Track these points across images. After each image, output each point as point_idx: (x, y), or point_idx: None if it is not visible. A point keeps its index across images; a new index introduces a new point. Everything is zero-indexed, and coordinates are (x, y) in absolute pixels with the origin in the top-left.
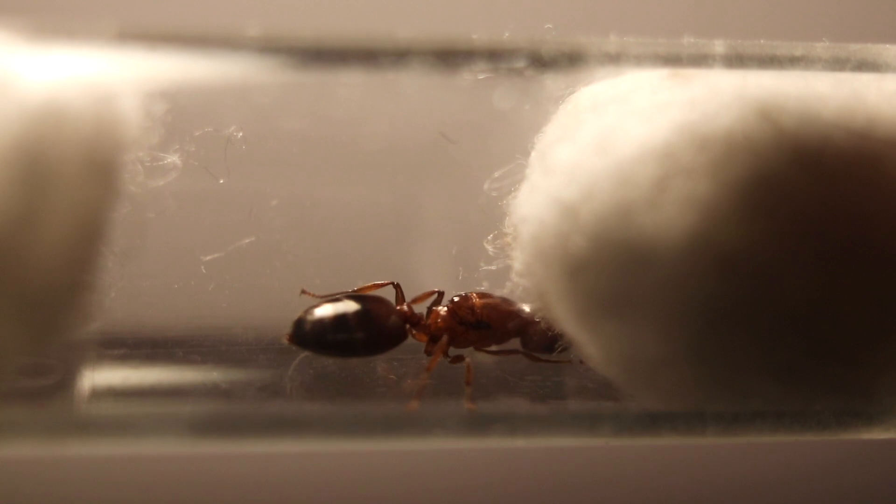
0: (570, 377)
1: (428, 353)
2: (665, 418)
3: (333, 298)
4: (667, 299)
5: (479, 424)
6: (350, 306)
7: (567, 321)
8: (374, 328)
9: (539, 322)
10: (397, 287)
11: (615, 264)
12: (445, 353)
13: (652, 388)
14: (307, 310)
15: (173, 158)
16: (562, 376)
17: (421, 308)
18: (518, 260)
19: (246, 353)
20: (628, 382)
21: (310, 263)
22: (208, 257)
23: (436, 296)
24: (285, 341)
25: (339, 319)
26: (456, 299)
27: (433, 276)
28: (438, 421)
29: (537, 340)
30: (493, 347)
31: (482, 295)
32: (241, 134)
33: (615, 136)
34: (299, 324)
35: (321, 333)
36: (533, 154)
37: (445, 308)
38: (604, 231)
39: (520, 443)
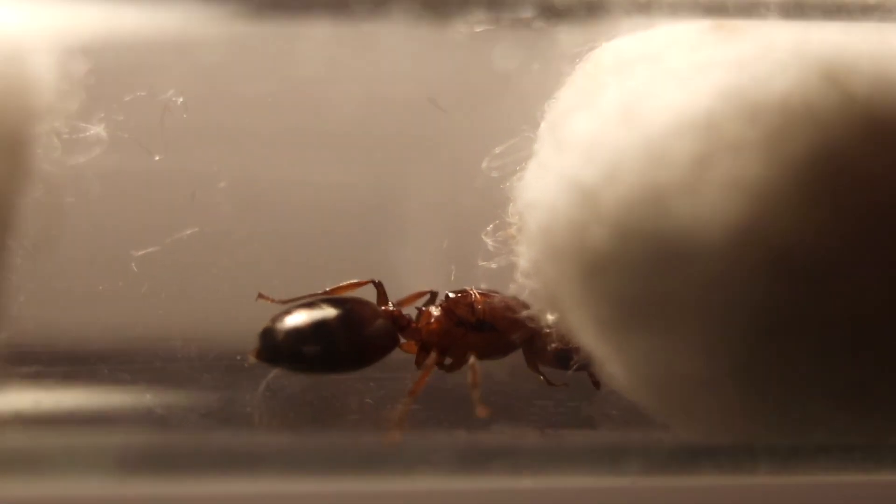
0: (588, 402)
1: (419, 364)
2: (706, 453)
3: (305, 303)
4: (708, 305)
5: (475, 459)
6: (328, 311)
7: (585, 332)
8: (359, 335)
9: (549, 333)
10: (378, 286)
11: (644, 262)
12: (440, 363)
13: (690, 415)
14: (276, 318)
15: (97, 130)
16: (578, 401)
17: (410, 311)
18: (524, 256)
19: (187, 372)
20: (661, 408)
21: (268, 260)
22: (141, 252)
23: (427, 297)
24: (251, 358)
25: (318, 327)
26: (452, 296)
27: (419, 275)
28: (425, 455)
29: (548, 355)
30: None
31: (485, 292)
32: (181, 99)
33: (644, 104)
34: (268, 335)
35: (297, 345)
36: (542, 125)
37: (440, 307)
38: (630, 221)
39: (526, 482)
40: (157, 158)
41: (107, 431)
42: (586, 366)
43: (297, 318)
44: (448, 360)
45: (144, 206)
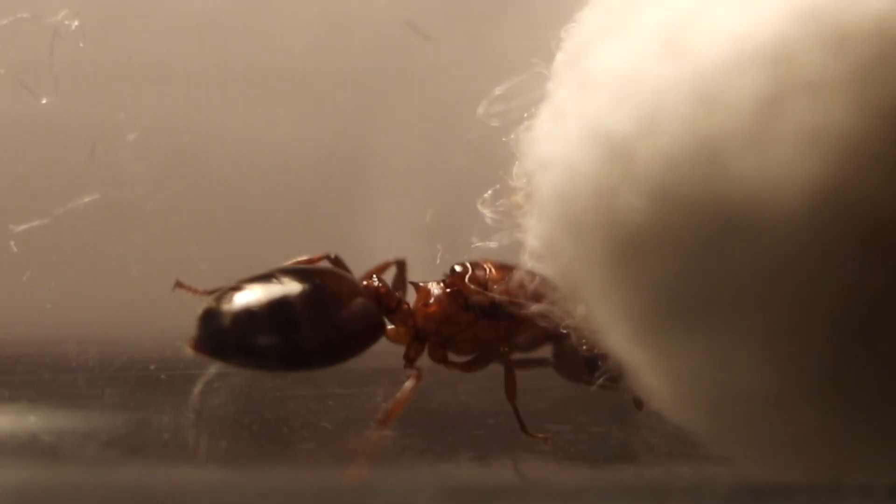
0: (620, 425)
1: (410, 359)
2: (777, 493)
3: (259, 276)
4: (780, 295)
5: (469, 502)
6: (290, 286)
7: (615, 333)
8: (333, 318)
9: (568, 334)
10: (335, 261)
11: (694, 238)
12: (439, 358)
13: (755, 443)
14: (220, 296)
15: None
16: (606, 424)
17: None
18: (534, 232)
19: (84, 385)
20: (716, 434)
21: (192, 235)
22: (23, 227)
23: (394, 268)
24: (188, 349)
25: (278, 308)
26: (459, 269)
27: (393, 255)
28: (404, 497)
29: (566, 363)
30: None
31: (503, 265)
32: (76, 23)
33: (694, 28)
34: (211, 319)
35: (249, 332)
36: (559, 57)
37: (442, 284)
38: (675, 184)
39: None
40: (44, 101)
41: None
42: (617, 378)
43: (250, 297)
44: (449, 356)
45: (28, 164)
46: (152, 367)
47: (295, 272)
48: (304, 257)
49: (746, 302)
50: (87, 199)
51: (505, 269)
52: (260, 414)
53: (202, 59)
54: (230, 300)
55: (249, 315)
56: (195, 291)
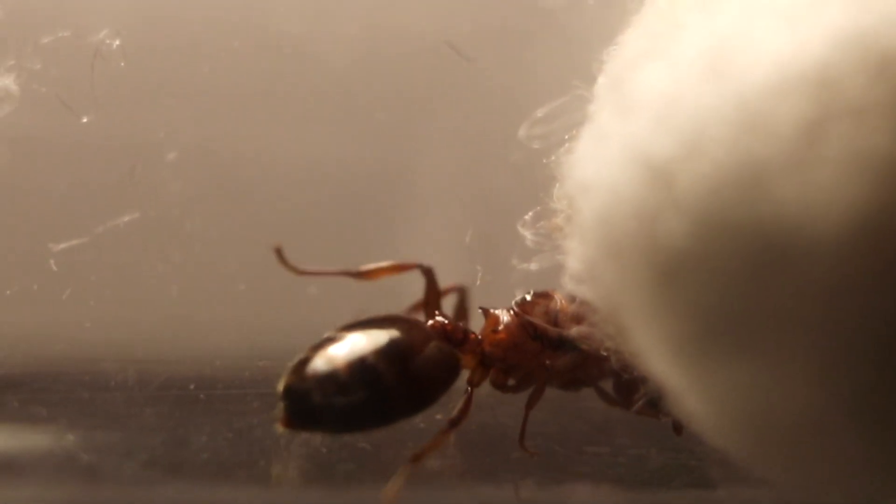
0: (658, 449)
1: (473, 384)
2: None
3: (328, 339)
4: (825, 320)
5: None
6: (365, 345)
7: (656, 356)
8: (416, 367)
9: (607, 358)
10: (428, 274)
11: (737, 263)
12: (502, 385)
13: (796, 466)
14: (296, 369)
15: (5, 82)
16: (645, 447)
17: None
18: (575, 254)
19: (123, 404)
20: (759, 457)
21: (231, 256)
22: (62, 245)
23: (456, 295)
24: (279, 427)
25: (360, 370)
26: (529, 299)
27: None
28: None
29: (630, 391)
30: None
31: (573, 298)
32: (117, 42)
33: (737, 52)
34: (297, 394)
35: (337, 400)
36: (601, 80)
37: (511, 312)
38: (718, 208)
39: None
40: (84, 120)
41: (16, 484)
42: (657, 401)
43: (329, 366)
44: (510, 382)
45: (68, 183)
46: (191, 386)
47: (360, 326)
48: (392, 262)
49: (789, 326)
50: (126, 218)
51: (576, 302)
52: (299, 434)
53: (242, 78)
54: (311, 372)
55: (335, 383)
56: (294, 270)
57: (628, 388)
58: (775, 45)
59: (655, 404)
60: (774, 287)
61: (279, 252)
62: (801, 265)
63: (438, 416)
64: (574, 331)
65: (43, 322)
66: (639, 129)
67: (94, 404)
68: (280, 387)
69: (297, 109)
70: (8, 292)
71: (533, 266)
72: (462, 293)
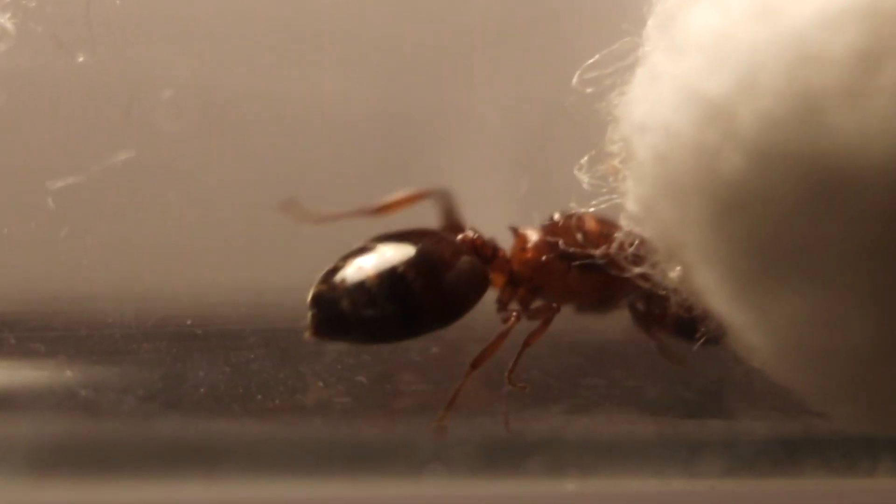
0: (652, 380)
1: (503, 303)
2: (887, 446)
3: (356, 249)
4: (882, 250)
5: (505, 457)
6: (396, 255)
7: (716, 293)
8: (446, 279)
9: (667, 296)
10: (444, 199)
11: (797, 194)
12: (526, 309)
13: (856, 398)
14: (326, 277)
15: (0, 20)
16: (640, 379)
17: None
18: (632, 195)
19: (121, 341)
20: (817, 390)
21: (231, 195)
22: (60, 184)
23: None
24: (308, 336)
25: (390, 278)
26: (557, 217)
27: (486, 225)
28: (439, 452)
29: (666, 323)
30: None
31: (603, 220)
32: None
33: None
34: (326, 302)
35: (367, 308)
36: (651, 22)
37: (540, 230)
38: (777, 141)
39: (570, 487)
40: (80, 59)
41: (15, 419)
42: (718, 338)
43: (359, 274)
44: (535, 303)
45: (64, 122)
46: (188, 322)
47: (392, 238)
48: (408, 192)
49: (849, 256)
50: (122, 157)
51: (604, 223)
52: (294, 369)
53: (239, 15)
54: (340, 280)
55: (364, 292)
56: (310, 218)
57: (689, 326)
58: None
59: (716, 341)
60: (833, 215)
61: (291, 205)
62: (858, 192)
63: (435, 350)
64: (600, 250)
65: (40, 260)
66: (693, 68)
67: (91, 340)
68: (309, 295)
69: (301, 48)
70: (5, 231)
71: (591, 209)
72: (446, 198)
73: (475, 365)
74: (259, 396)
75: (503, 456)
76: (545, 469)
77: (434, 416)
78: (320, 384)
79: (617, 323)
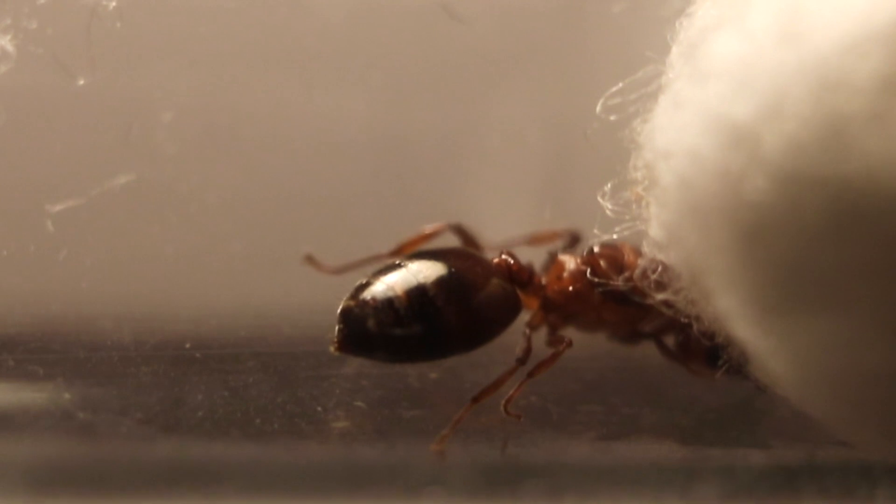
0: (651, 407)
1: (533, 327)
2: (885, 473)
3: (386, 266)
4: None
5: (502, 480)
6: (426, 274)
7: (739, 319)
8: (475, 301)
9: (689, 324)
10: (460, 232)
11: (823, 219)
12: (554, 334)
13: (880, 424)
14: (356, 293)
15: (1, 41)
16: (637, 406)
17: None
18: (655, 221)
19: (119, 363)
20: (840, 416)
21: (227, 216)
22: (59, 207)
23: (565, 241)
24: (333, 350)
25: (418, 297)
26: (597, 249)
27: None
28: (437, 475)
29: (697, 352)
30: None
31: (640, 253)
32: (113, 3)
33: (809, 12)
34: (352, 318)
35: (393, 326)
36: (675, 49)
37: (578, 259)
38: (802, 165)
39: None
40: (81, 81)
41: (13, 441)
42: (741, 366)
43: (388, 291)
44: (564, 330)
45: (64, 144)
46: (187, 345)
47: (424, 256)
48: (426, 229)
49: (874, 280)
50: (122, 180)
51: (642, 256)
52: (293, 393)
53: (240, 39)
54: (370, 297)
55: (392, 312)
56: (324, 268)
57: (711, 354)
58: (848, 4)
59: (739, 370)
60: (857, 239)
61: (310, 259)
62: (882, 216)
63: (433, 376)
64: (659, 297)
65: (39, 282)
66: (718, 94)
67: (90, 363)
68: (338, 309)
69: (299, 69)
70: (5, 252)
71: (614, 236)
72: (573, 241)
73: (476, 399)
74: (257, 420)
75: (501, 480)
76: (543, 494)
77: (432, 440)
78: (318, 409)
79: (615, 350)
